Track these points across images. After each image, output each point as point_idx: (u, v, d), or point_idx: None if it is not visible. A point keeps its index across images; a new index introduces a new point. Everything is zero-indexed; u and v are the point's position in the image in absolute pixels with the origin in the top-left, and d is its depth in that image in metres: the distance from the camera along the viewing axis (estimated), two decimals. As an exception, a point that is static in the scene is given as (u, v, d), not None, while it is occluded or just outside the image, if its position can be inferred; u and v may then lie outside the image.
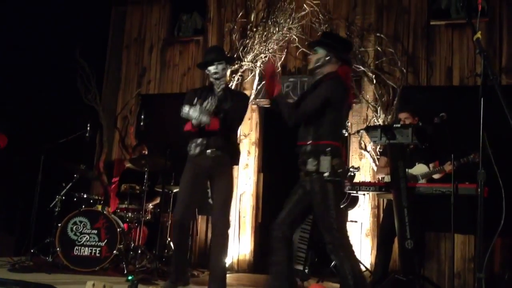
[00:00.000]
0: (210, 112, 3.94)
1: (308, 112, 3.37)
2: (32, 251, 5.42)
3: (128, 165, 6.58)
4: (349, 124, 6.13)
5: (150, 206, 6.00)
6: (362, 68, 6.39)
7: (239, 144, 4.38)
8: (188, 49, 7.61)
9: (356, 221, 5.93)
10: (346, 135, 5.63)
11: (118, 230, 5.44)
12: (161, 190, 5.78)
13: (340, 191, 3.44)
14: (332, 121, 3.35)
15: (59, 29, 7.14)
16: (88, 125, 6.22)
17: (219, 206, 4.18)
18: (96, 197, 5.90)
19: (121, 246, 5.46)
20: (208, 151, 4.09)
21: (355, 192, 5.08)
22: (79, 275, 4.99)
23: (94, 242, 5.40)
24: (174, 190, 5.91)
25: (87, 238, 5.42)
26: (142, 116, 7.04)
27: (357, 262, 3.40)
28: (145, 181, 5.68)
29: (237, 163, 4.51)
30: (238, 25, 7.15)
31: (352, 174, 5.45)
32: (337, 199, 3.39)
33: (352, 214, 5.93)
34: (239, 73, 6.96)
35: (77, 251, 5.37)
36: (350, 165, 5.73)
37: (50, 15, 7.19)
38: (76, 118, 6.77)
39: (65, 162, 5.91)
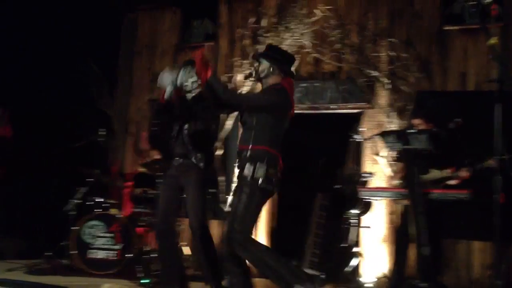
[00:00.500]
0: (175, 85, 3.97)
1: (248, 101, 3.59)
2: (48, 254, 5.46)
3: (141, 169, 6.60)
4: (363, 129, 6.13)
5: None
6: (375, 73, 6.40)
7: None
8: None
9: (369, 227, 5.93)
10: (359, 140, 5.63)
11: (132, 233, 5.46)
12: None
13: (267, 198, 3.51)
14: (273, 128, 3.46)
15: (72, 36, 7.20)
16: (102, 130, 6.25)
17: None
18: (111, 201, 5.93)
19: (135, 249, 5.47)
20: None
21: (368, 198, 5.10)
22: (94, 278, 5.01)
23: (109, 246, 5.42)
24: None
25: (102, 241, 5.45)
26: (155, 121, 7.05)
27: (260, 249, 3.44)
28: (158, 185, 5.69)
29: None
30: (249, 31, 7.17)
31: (365, 179, 5.45)
32: (260, 205, 3.47)
33: (365, 219, 5.92)
34: (251, 78, 6.96)
35: (92, 254, 5.40)
36: (363, 171, 5.74)
37: (63, 22, 7.25)
38: (89, 123, 6.82)
39: (79, 167, 5.94)
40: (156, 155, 6.49)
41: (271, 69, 3.59)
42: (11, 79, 6.60)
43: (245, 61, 7.04)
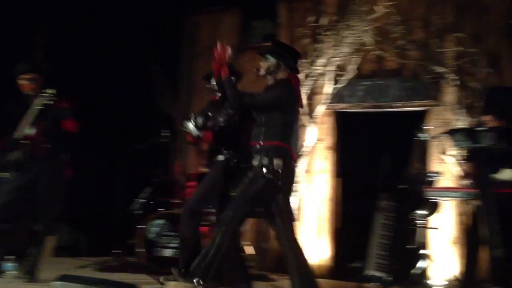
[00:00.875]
0: (200, 126, 4.24)
1: (255, 103, 3.65)
2: (116, 251, 5.62)
3: (203, 169, 6.68)
4: (428, 127, 5.95)
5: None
6: (441, 70, 6.20)
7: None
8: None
9: (437, 228, 5.74)
10: (426, 139, 5.47)
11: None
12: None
13: (270, 188, 3.52)
14: (282, 123, 3.55)
15: (136, 39, 7.40)
16: (165, 131, 6.37)
17: None
18: (175, 201, 6.04)
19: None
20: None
21: (435, 198, 4.94)
22: (160, 276, 5.09)
23: (174, 244, 5.51)
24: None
25: (167, 240, 5.55)
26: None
27: (226, 243, 3.43)
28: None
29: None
30: (309, 30, 7.11)
31: (432, 179, 5.29)
32: (262, 193, 3.53)
33: (433, 220, 5.74)
34: (311, 78, 6.93)
35: (157, 252, 5.50)
36: (430, 171, 5.57)
37: (127, 26, 7.46)
38: (152, 125, 6.97)
39: (144, 167, 6.09)
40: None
41: (277, 65, 3.68)
42: (79, 80, 6.84)
43: (305, 61, 6.99)
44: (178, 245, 5.48)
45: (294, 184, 3.75)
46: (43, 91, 4.28)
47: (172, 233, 5.56)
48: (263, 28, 7.89)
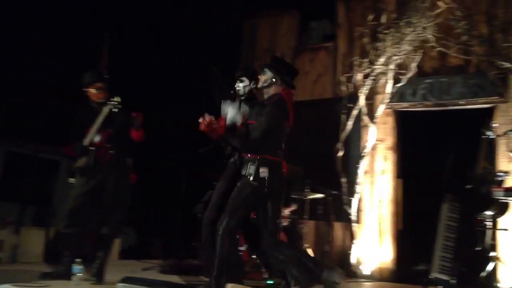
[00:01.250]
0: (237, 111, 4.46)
1: (258, 139, 3.79)
2: (179, 254, 5.74)
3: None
4: (495, 125, 5.72)
5: (287, 212, 6.07)
6: (507, 65, 5.94)
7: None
8: (318, 56, 7.64)
9: (507, 229, 5.51)
10: (492, 137, 5.27)
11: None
12: (297, 197, 5.82)
13: (257, 194, 3.75)
14: (272, 138, 3.80)
15: (196, 44, 7.56)
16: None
17: None
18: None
19: (260, 251, 5.56)
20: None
21: (504, 198, 4.75)
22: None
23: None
24: (309, 197, 5.93)
25: (228, 243, 5.60)
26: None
27: (227, 249, 3.69)
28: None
29: None
30: (368, 28, 7.01)
31: (501, 179, 5.08)
32: (250, 200, 3.76)
33: (502, 222, 5.51)
34: (371, 77, 6.83)
35: (220, 255, 5.56)
36: (498, 170, 5.35)
37: (186, 32, 7.63)
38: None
39: (205, 171, 6.19)
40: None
41: (273, 80, 3.90)
42: (141, 86, 7.07)
43: (364, 60, 6.90)
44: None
45: (283, 193, 3.93)
46: (110, 98, 4.45)
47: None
48: (322, 29, 7.85)
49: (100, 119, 4.46)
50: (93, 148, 4.47)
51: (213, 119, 3.78)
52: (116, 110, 4.45)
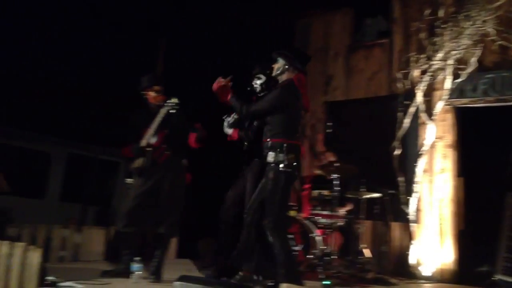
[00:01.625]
0: (230, 124, 4.77)
1: (256, 111, 4.05)
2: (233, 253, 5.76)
3: (317, 172, 6.67)
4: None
5: (343, 212, 6.00)
6: None
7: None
8: (373, 53, 7.52)
9: None
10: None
11: (312, 235, 5.53)
12: (352, 196, 5.75)
13: (291, 181, 3.92)
14: (283, 121, 3.92)
15: (248, 44, 7.58)
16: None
17: None
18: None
19: (316, 251, 5.53)
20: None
21: None
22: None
23: (294, 247, 5.55)
24: (365, 196, 5.83)
25: (283, 243, 5.59)
26: (330, 123, 7.10)
27: (287, 241, 3.91)
28: (334, 187, 5.70)
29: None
30: (425, 23, 6.83)
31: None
32: (287, 188, 3.90)
33: None
34: (429, 73, 6.65)
35: (274, 255, 5.55)
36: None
37: (238, 32, 7.66)
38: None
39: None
40: (332, 157, 6.52)
41: (286, 67, 4.08)
42: (196, 88, 7.15)
43: (421, 56, 6.73)
44: (297, 247, 5.54)
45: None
46: (167, 100, 4.53)
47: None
48: (376, 26, 7.72)
49: (157, 121, 4.55)
50: (149, 149, 4.56)
51: (227, 81, 4.00)
52: (173, 111, 4.53)
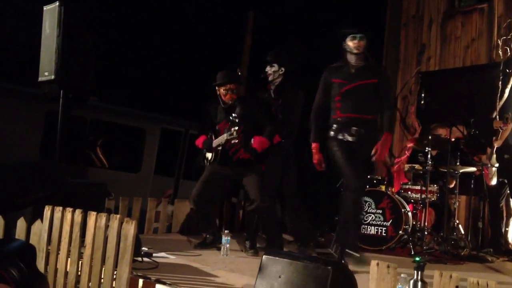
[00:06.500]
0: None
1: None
2: (323, 227, 5.77)
3: (409, 145, 6.46)
4: None
5: (435, 187, 5.76)
6: None
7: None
8: (471, 19, 7.06)
9: None
10: None
11: (402, 210, 5.38)
12: (446, 170, 5.49)
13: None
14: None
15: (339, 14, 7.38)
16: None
17: None
18: (379, 178, 5.94)
19: (406, 226, 5.39)
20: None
21: None
22: (366, 253, 5.08)
23: (379, 222, 5.45)
24: (460, 171, 5.55)
25: (372, 218, 5.50)
26: (423, 95, 6.77)
27: (359, 211, 4.26)
28: (428, 161, 5.48)
29: None
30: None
31: None
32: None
33: None
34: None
35: (364, 229, 5.48)
36: None
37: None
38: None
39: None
40: (437, 131, 6.23)
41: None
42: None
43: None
44: (383, 222, 5.42)
45: None
46: (231, 128, 4.41)
47: (378, 211, 5.49)
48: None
49: (231, 118, 4.52)
50: (219, 148, 4.59)
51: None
52: (247, 110, 4.56)
